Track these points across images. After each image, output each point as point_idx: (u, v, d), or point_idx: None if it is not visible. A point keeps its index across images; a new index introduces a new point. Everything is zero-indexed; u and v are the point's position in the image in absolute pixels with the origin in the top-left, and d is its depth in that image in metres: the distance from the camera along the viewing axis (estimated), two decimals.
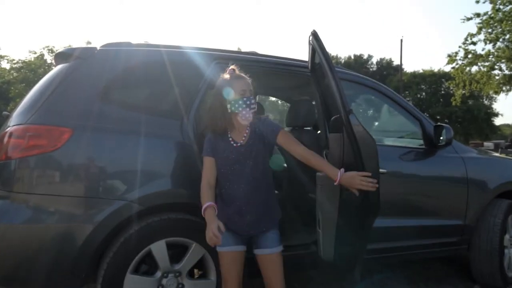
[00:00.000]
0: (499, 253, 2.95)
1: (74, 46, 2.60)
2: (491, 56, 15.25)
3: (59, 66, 2.13)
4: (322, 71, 2.19)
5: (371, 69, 42.24)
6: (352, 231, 2.04)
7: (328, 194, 2.00)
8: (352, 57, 43.03)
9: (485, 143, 28.15)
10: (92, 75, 2.07)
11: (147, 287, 2.01)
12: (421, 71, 37.97)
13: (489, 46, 15.10)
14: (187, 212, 2.10)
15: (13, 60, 25.48)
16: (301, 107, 3.04)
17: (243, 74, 1.94)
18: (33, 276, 1.84)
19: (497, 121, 39.19)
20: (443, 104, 34.94)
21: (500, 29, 14.39)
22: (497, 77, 15.93)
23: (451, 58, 16.02)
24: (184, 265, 2.08)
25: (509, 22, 13.82)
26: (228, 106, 1.88)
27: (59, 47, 21.18)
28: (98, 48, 2.17)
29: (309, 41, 2.34)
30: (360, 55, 43.47)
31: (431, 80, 36.10)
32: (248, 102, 1.86)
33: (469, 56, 15.60)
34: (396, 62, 39.79)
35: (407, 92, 35.47)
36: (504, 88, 16.10)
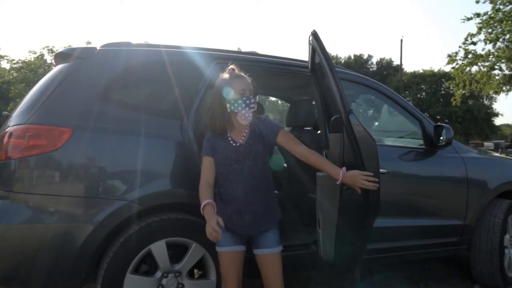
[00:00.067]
0: (499, 253, 2.95)
1: (74, 46, 2.60)
2: (491, 56, 15.25)
3: (59, 66, 2.13)
4: (322, 71, 2.19)
5: (371, 69, 42.24)
6: (352, 231, 2.04)
7: (328, 194, 2.00)
8: (352, 57, 43.04)
9: (485, 143, 28.13)
10: (92, 75, 2.07)
11: (147, 287, 2.01)
12: (421, 71, 38.00)
13: (489, 46, 15.15)
14: (187, 212, 2.10)
15: (13, 60, 25.53)
16: (301, 107, 3.04)
17: (242, 74, 1.94)
18: (33, 276, 1.84)
19: (497, 121, 39.25)
20: (443, 104, 34.94)
21: (500, 29, 14.40)
22: (497, 77, 15.95)
23: (451, 58, 16.03)
24: (184, 265, 2.08)
25: (509, 22, 13.82)
26: (228, 105, 1.88)
27: (59, 47, 21.18)
28: (98, 48, 2.17)
29: (309, 41, 2.34)
30: (360, 55, 43.50)
31: (431, 80, 36.11)
32: (247, 102, 1.86)
33: (469, 56, 15.61)
34: (396, 62, 39.84)
35: (407, 92, 35.48)
36: (504, 88, 16.11)
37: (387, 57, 48.43)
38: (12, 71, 25.43)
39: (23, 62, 25.05)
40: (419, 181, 2.85)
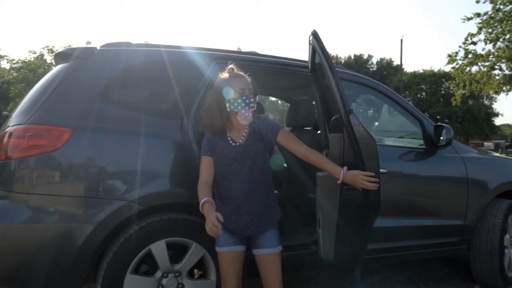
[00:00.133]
0: (499, 253, 2.94)
1: (74, 46, 2.60)
2: (491, 56, 15.25)
3: (59, 66, 2.13)
4: (322, 71, 2.19)
5: (371, 69, 42.24)
6: (352, 231, 2.04)
7: (328, 194, 2.00)
8: (352, 57, 43.04)
9: (485, 143, 28.12)
10: (92, 75, 2.07)
11: (147, 287, 2.01)
12: (421, 71, 38.01)
13: (489, 46, 15.14)
14: (187, 212, 2.10)
15: (13, 60, 25.55)
16: (301, 107, 3.04)
17: (242, 73, 1.93)
18: (33, 276, 1.84)
19: (497, 121, 39.26)
20: (443, 104, 34.94)
21: (500, 29, 14.40)
22: (497, 77, 15.94)
23: (451, 58, 16.03)
24: (184, 265, 2.08)
25: (509, 22, 13.82)
26: (227, 105, 1.88)
27: (59, 47, 21.15)
28: (98, 48, 2.17)
29: (309, 41, 2.34)
30: (360, 55, 43.51)
31: (431, 80, 36.11)
32: (247, 101, 1.85)
33: (469, 56, 15.60)
34: (396, 62, 39.85)
35: (407, 92, 35.48)
36: (504, 88, 16.11)
37: (387, 57, 48.49)
38: (12, 71, 25.44)
39: (23, 62, 25.06)
40: (419, 181, 2.85)
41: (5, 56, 25.85)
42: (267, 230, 1.93)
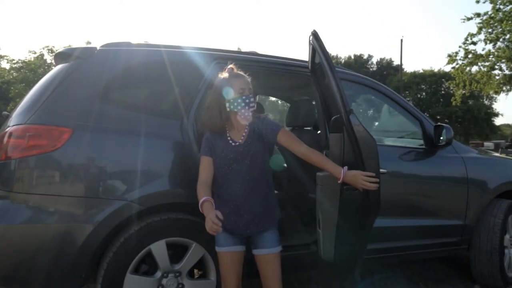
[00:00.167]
0: (499, 253, 2.94)
1: (74, 46, 2.60)
2: (491, 56, 15.25)
3: (59, 66, 2.13)
4: (322, 71, 2.19)
5: (371, 69, 42.24)
6: (352, 231, 2.04)
7: (328, 194, 2.00)
8: (352, 57, 43.04)
9: (485, 143, 28.13)
10: (92, 75, 2.07)
11: (147, 287, 2.01)
12: (421, 71, 38.01)
13: (489, 46, 15.14)
14: (187, 212, 2.10)
15: (13, 60, 25.56)
16: (301, 107, 3.04)
17: (241, 72, 1.93)
18: (33, 276, 1.84)
19: (497, 121, 39.26)
20: (443, 104, 34.94)
21: (500, 29, 14.40)
22: (497, 77, 15.94)
23: (451, 58, 16.03)
24: (184, 265, 2.08)
25: (509, 22, 13.82)
26: (227, 104, 1.88)
27: (59, 47, 21.15)
28: (98, 48, 2.16)
29: (310, 41, 2.34)
30: (360, 55, 43.51)
31: (431, 80, 36.11)
32: (247, 101, 1.85)
33: (469, 56, 15.60)
34: (396, 62, 39.85)
35: (407, 92, 35.47)
36: (504, 88, 16.11)
37: (387, 57, 48.51)
38: (12, 71, 25.44)
39: (23, 62, 25.06)
40: (419, 181, 2.85)
41: (5, 56, 25.88)
42: (266, 230, 1.92)
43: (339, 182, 1.84)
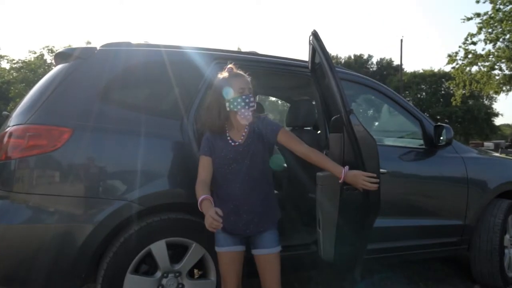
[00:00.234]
0: (499, 253, 2.94)
1: (74, 46, 2.60)
2: (491, 56, 15.25)
3: (59, 66, 2.13)
4: (322, 71, 2.18)
5: (371, 69, 42.24)
6: (352, 231, 2.04)
7: (328, 194, 2.00)
8: (352, 57, 43.04)
9: (485, 143, 28.11)
10: (92, 75, 2.07)
11: (147, 287, 2.01)
12: (421, 71, 38.01)
13: (489, 46, 15.15)
14: (187, 212, 2.10)
15: (13, 60, 25.57)
16: (301, 107, 3.04)
17: (241, 72, 1.93)
18: (33, 276, 1.84)
19: (497, 121, 39.26)
20: (443, 104, 34.94)
21: (500, 29, 14.40)
22: (497, 77, 15.95)
23: (451, 58, 16.03)
24: (184, 265, 2.08)
25: (509, 22, 13.82)
26: (227, 104, 1.87)
27: (59, 47, 21.16)
28: (98, 48, 2.16)
29: (310, 41, 2.34)
30: (360, 55, 43.50)
31: (431, 80, 36.11)
32: (247, 100, 1.85)
33: (469, 56, 15.61)
34: (396, 62, 39.85)
35: (407, 92, 35.47)
36: (504, 88, 16.11)
37: (387, 57, 48.50)
38: (12, 71, 25.44)
39: (23, 62, 25.07)
40: (419, 181, 2.85)
41: (5, 56, 25.89)
42: (266, 230, 1.92)
43: (340, 181, 1.84)
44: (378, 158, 1.91)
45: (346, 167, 1.84)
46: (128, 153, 2.00)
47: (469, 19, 14.76)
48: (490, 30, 14.60)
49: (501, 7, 14.00)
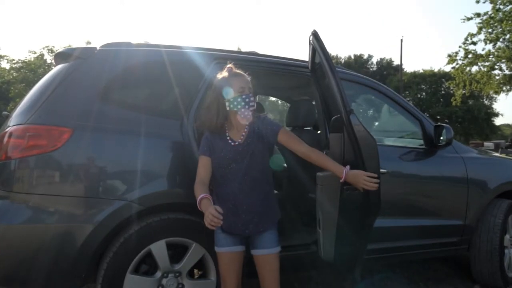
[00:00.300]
0: (499, 253, 2.94)
1: (74, 46, 2.60)
2: (491, 56, 15.25)
3: (59, 66, 2.13)
4: (322, 71, 2.18)
5: (371, 69, 42.24)
6: (352, 231, 2.04)
7: (328, 194, 2.00)
8: (352, 57, 43.03)
9: (485, 143, 28.09)
10: (92, 75, 2.07)
11: (147, 287, 2.01)
12: (421, 71, 38.01)
13: (489, 46, 15.14)
14: (187, 212, 2.10)
15: (13, 60, 25.58)
16: (301, 107, 3.04)
17: (241, 71, 1.92)
18: (33, 276, 1.83)
19: (497, 121, 39.27)
20: (443, 104, 34.94)
21: (500, 29, 14.40)
22: (497, 77, 15.94)
23: (451, 58, 16.03)
24: (184, 265, 2.08)
25: (509, 22, 13.82)
26: (227, 104, 1.87)
27: (59, 47, 21.15)
28: (98, 48, 2.16)
29: (310, 41, 2.33)
30: (360, 55, 43.50)
31: (431, 80, 36.11)
32: (247, 100, 1.85)
33: (469, 56, 15.60)
34: (396, 62, 39.84)
35: (407, 92, 35.47)
36: (504, 88, 16.11)
37: (387, 57, 48.50)
38: (12, 71, 25.45)
39: (23, 62, 25.07)
40: (419, 181, 2.85)
41: (5, 56, 25.90)
42: (266, 231, 1.91)
43: (341, 181, 1.84)
44: (378, 158, 1.91)
45: (347, 167, 1.83)
46: (128, 153, 2.00)
47: (469, 19, 14.76)
48: (490, 30, 14.60)
49: (501, 7, 14.01)
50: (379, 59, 43.71)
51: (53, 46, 24.57)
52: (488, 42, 14.88)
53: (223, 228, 1.87)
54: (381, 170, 1.98)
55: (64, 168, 1.89)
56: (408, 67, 73.26)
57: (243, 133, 1.92)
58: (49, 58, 24.59)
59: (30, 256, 1.83)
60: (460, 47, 15.79)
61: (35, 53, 25.00)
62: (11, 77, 24.78)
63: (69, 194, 1.88)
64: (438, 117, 33.22)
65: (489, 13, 14.32)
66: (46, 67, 23.82)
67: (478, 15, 14.55)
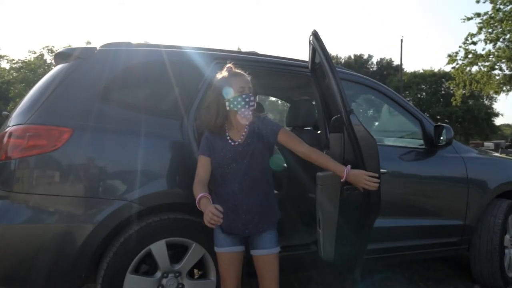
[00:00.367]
0: (499, 253, 2.94)
1: (74, 46, 2.60)
2: (491, 56, 15.25)
3: (59, 66, 2.13)
4: (322, 71, 2.18)
5: (371, 69, 42.24)
6: (352, 231, 2.04)
7: (328, 194, 2.00)
8: (352, 57, 43.03)
9: (485, 143, 28.09)
10: (92, 75, 2.07)
11: (147, 287, 2.01)
12: (421, 71, 38.01)
13: (490, 46, 15.15)
14: (187, 212, 2.10)
15: (13, 60, 25.59)
16: (301, 107, 3.04)
17: (241, 71, 1.92)
18: (33, 276, 1.83)
19: (497, 121, 39.27)
20: (443, 104, 34.94)
21: (501, 29, 14.41)
22: (497, 77, 15.95)
23: (452, 58, 16.03)
24: (184, 265, 2.08)
25: (510, 22, 13.82)
26: (227, 104, 1.87)
27: (59, 47, 21.13)
28: (98, 48, 2.16)
29: (310, 41, 2.33)
30: (360, 55, 43.50)
31: (431, 80, 36.11)
32: (247, 99, 1.84)
33: (470, 56, 15.61)
34: (396, 62, 39.85)
35: (407, 92, 35.47)
36: (504, 88, 16.11)
37: (387, 57, 48.48)
38: (12, 71, 25.46)
39: (23, 62, 25.08)
40: (419, 181, 2.85)
41: (5, 56, 25.90)
42: (265, 231, 1.91)
43: (342, 180, 1.83)
44: (378, 158, 1.91)
45: (348, 166, 1.83)
46: (128, 153, 2.00)
47: (469, 19, 14.76)
48: (490, 30, 14.61)
49: (501, 7, 14.01)
50: (379, 59, 43.76)
51: (53, 46, 24.62)
52: (488, 42, 14.89)
53: (223, 228, 1.87)
54: (381, 170, 1.98)
55: (64, 168, 1.89)
56: (408, 67, 73.37)
57: (243, 133, 1.92)
58: (49, 58, 24.60)
59: (30, 256, 1.83)
60: (460, 47, 15.83)
61: (35, 53, 25.03)
62: (11, 77, 24.79)
63: (69, 194, 1.88)
64: (438, 117, 33.22)
65: (489, 13, 14.33)
66: (46, 67, 23.83)
67: (478, 15, 14.55)
